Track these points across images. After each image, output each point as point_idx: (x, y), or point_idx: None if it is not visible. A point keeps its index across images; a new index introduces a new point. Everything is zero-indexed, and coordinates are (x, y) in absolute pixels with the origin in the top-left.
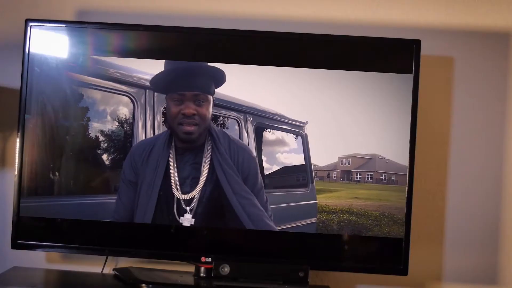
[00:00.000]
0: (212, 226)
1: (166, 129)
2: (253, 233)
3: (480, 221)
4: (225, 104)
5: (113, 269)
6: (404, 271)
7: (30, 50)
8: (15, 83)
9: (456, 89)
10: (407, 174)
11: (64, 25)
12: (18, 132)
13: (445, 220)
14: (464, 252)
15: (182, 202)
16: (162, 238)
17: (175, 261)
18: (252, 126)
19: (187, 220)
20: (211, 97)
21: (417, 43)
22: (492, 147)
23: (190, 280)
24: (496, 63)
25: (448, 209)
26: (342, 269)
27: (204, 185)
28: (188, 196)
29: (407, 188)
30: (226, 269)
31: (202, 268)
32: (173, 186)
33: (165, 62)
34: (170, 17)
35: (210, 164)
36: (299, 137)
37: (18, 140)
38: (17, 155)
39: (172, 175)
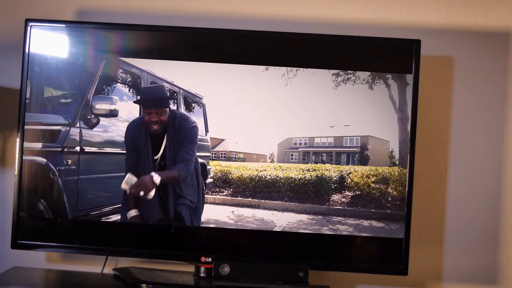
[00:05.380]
0: (212, 226)
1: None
2: (253, 233)
3: (480, 221)
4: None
5: (113, 269)
6: (404, 271)
7: (30, 50)
8: (15, 83)
9: (456, 89)
10: (407, 174)
11: (64, 25)
12: (18, 132)
13: (445, 220)
14: (464, 252)
15: (154, 160)
16: (162, 238)
17: (175, 261)
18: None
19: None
20: (167, 109)
21: (417, 43)
22: (492, 147)
23: (190, 280)
24: (496, 63)
25: (448, 209)
26: (342, 269)
27: (162, 151)
28: (156, 157)
29: (407, 188)
30: (226, 269)
31: (202, 268)
32: (151, 153)
33: (141, 90)
34: (170, 17)
35: (164, 141)
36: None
37: (18, 140)
38: (17, 155)
39: (149, 147)
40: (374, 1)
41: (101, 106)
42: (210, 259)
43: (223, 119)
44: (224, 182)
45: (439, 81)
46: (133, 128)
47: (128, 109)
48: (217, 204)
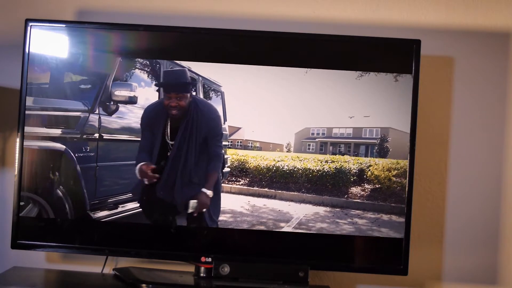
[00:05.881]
0: (212, 226)
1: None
2: (253, 233)
3: (480, 221)
4: None
5: (113, 269)
6: (404, 271)
7: (30, 50)
8: (15, 83)
9: (456, 89)
10: (407, 174)
11: (64, 25)
12: (18, 132)
13: (445, 220)
14: (464, 252)
15: (169, 145)
16: (162, 238)
17: (175, 261)
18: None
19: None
20: (187, 94)
21: (417, 43)
22: (492, 147)
23: (190, 280)
24: (496, 63)
25: (448, 209)
26: (342, 269)
27: (180, 137)
28: (172, 142)
29: (407, 188)
30: (226, 269)
31: (202, 268)
32: (167, 136)
33: (163, 73)
34: (170, 17)
35: (183, 126)
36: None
37: (18, 140)
38: (17, 155)
39: (167, 130)
40: (374, 1)
41: (121, 93)
42: (210, 259)
43: (240, 107)
44: (241, 171)
45: (439, 81)
46: (151, 110)
47: (146, 96)
48: (233, 193)
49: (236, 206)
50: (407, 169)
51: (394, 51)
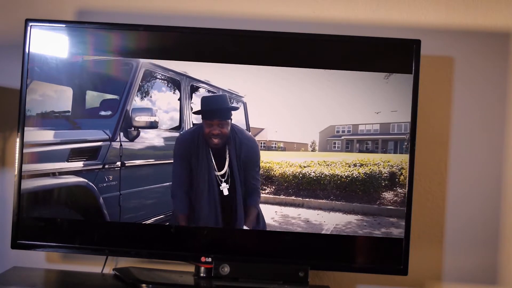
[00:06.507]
0: (211, 226)
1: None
2: (253, 233)
3: (480, 221)
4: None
5: (113, 269)
6: (404, 271)
7: (30, 50)
8: (15, 83)
9: (456, 89)
10: (407, 174)
11: (64, 25)
12: (18, 132)
13: (445, 220)
14: (464, 252)
15: (218, 178)
16: (162, 238)
17: (175, 261)
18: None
19: (224, 187)
20: (229, 120)
21: (417, 43)
22: (492, 147)
23: (190, 280)
24: (496, 63)
25: (448, 209)
26: (342, 269)
27: (228, 166)
28: (220, 173)
29: (407, 188)
30: (226, 269)
31: (202, 268)
32: (214, 168)
33: (202, 99)
34: (170, 17)
35: (228, 156)
36: None
37: (18, 140)
38: (17, 155)
39: (212, 162)
40: (374, 1)
41: (141, 118)
42: (210, 259)
43: (262, 107)
44: (266, 179)
45: (439, 81)
46: (187, 139)
47: (168, 100)
48: (260, 203)
49: (266, 218)
50: (407, 169)
51: (394, 51)
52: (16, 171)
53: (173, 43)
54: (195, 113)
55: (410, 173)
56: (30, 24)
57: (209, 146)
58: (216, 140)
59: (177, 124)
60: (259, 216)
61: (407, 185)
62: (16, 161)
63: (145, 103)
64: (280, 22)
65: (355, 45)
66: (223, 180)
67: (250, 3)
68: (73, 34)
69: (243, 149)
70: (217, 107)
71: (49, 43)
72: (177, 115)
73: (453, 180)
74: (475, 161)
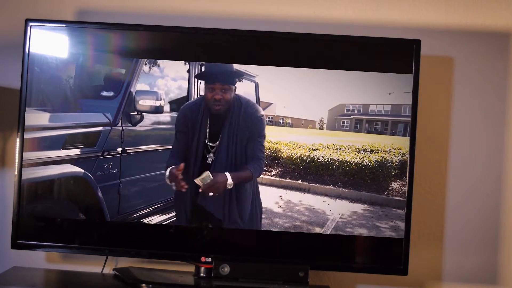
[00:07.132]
0: (212, 226)
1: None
2: (253, 233)
3: (480, 221)
4: None
5: (113, 269)
6: (404, 271)
7: (30, 50)
8: (15, 83)
9: (456, 89)
10: (407, 174)
11: (64, 25)
12: (18, 132)
13: (445, 220)
14: (464, 252)
15: (209, 148)
16: (162, 238)
17: (175, 261)
18: None
19: (210, 157)
20: (233, 86)
21: (417, 43)
22: (492, 147)
23: (190, 280)
24: (496, 63)
25: (448, 209)
26: (342, 269)
27: (221, 138)
28: (213, 144)
29: (407, 188)
30: (226, 269)
31: (202, 268)
32: (206, 136)
33: (205, 64)
34: (170, 17)
35: (227, 128)
36: None
37: (18, 140)
38: (17, 155)
39: (207, 131)
40: (374, 1)
41: (145, 102)
42: (210, 259)
43: (271, 82)
44: (273, 160)
45: (439, 81)
46: (189, 109)
47: (176, 69)
48: (264, 184)
49: (270, 202)
50: (407, 169)
51: (394, 51)
52: (16, 171)
53: (173, 43)
54: (197, 76)
55: (410, 173)
56: (30, 24)
57: (210, 113)
58: (217, 107)
59: (185, 94)
60: (250, 183)
61: (407, 185)
62: (16, 161)
63: (154, 70)
64: (280, 22)
65: (355, 45)
66: (211, 150)
67: (250, 3)
68: (73, 34)
69: (247, 121)
70: (219, 69)
71: (49, 43)
72: (185, 85)
73: (453, 180)
74: (475, 161)
